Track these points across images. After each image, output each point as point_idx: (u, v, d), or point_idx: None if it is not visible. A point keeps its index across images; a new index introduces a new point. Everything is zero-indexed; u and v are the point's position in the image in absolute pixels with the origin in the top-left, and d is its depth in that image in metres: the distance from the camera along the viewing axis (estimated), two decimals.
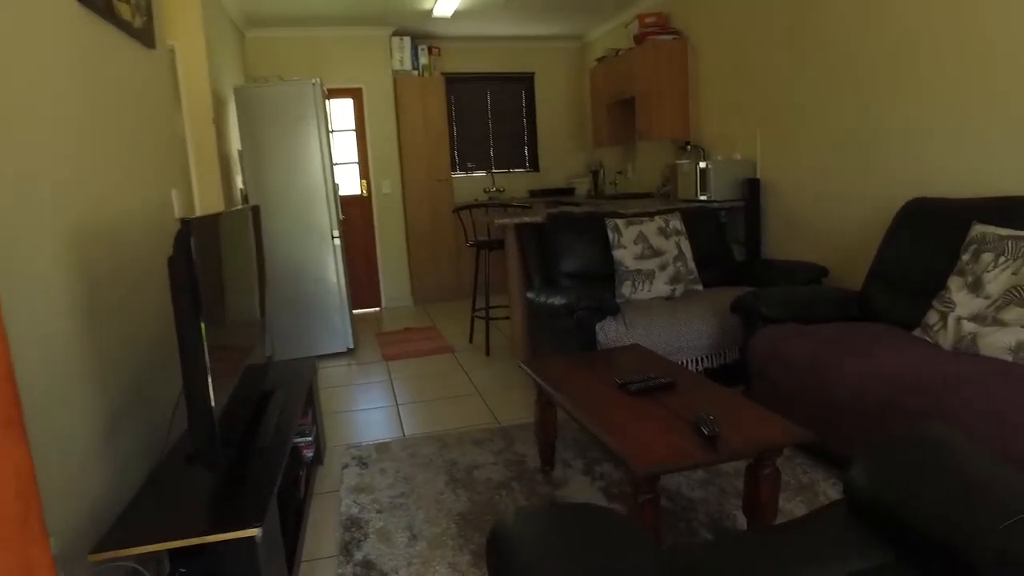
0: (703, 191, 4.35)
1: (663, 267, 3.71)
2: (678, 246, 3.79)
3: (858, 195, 3.48)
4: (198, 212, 3.35)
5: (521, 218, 3.85)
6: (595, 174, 6.30)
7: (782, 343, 2.67)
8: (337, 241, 4.58)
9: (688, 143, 4.91)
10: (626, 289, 3.66)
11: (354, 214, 6.24)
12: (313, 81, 4.39)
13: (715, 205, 4.26)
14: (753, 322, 2.95)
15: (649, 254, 3.70)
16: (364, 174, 6.22)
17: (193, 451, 1.61)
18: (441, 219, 6.39)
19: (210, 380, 1.55)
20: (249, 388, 2.13)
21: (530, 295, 3.60)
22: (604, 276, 3.75)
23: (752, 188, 4.24)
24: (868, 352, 2.39)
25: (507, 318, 4.66)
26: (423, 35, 6.32)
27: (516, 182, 7.04)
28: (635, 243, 3.70)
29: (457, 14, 5.66)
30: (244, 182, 4.48)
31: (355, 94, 6.10)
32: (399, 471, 2.72)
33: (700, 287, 3.80)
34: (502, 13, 5.73)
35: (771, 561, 1.25)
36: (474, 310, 4.77)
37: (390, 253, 6.35)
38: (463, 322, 5.57)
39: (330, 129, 4.81)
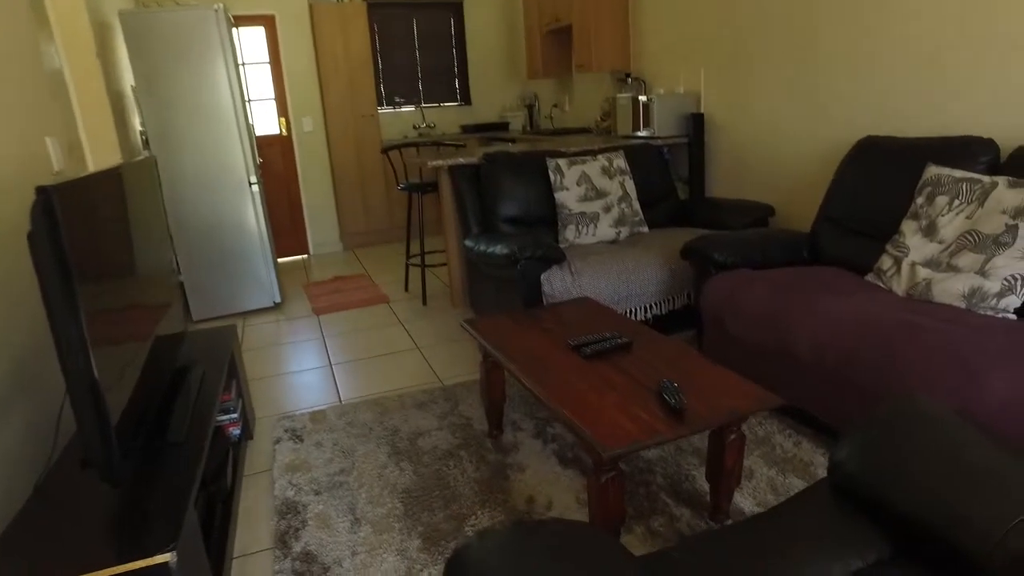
0: (645, 126, 4.16)
1: (607, 209, 3.54)
2: (622, 186, 3.62)
3: (807, 132, 3.37)
4: (89, 160, 2.93)
5: (455, 160, 3.58)
6: (530, 108, 6.01)
7: (737, 293, 2.57)
8: (255, 187, 4.19)
9: (628, 75, 4.68)
10: (570, 233, 3.49)
11: (274, 155, 5.78)
12: (216, 6, 3.89)
13: (659, 142, 4.09)
14: (705, 269, 2.84)
15: (593, 195, 3.52)
16: (282, 111, 5.73)
17: (85, 456, 1.37)
18: (369, 158, 6.00)
19: (94, 367, 1.29)
20: (160, 367, 1.87)
21: (468, 243, 3.38)
22: (546, 220, 3.56)
23: (696, 124, 4.09)
24: (825, 302, 2.30)
25: (444, 264, 4.44)
26: None
27: (447, 117, 6.66)
28: (578, 184, 3.51)
29: None
30: (143, 124, 4.00)
31: (267, 22, 5.53)
32: (337, 443, 2.52)
33: (645, 229, 3.67)
34: None
35: (756, 561, 1.13)
36: (408, 257, 4.51)
37: (315, 196, 5.95)
38: (397, 268, 5.31)
39: (240, 62, 4.34)
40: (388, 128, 6.41)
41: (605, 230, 3.53)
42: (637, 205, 3.66)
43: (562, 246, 3.49)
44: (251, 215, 4.22)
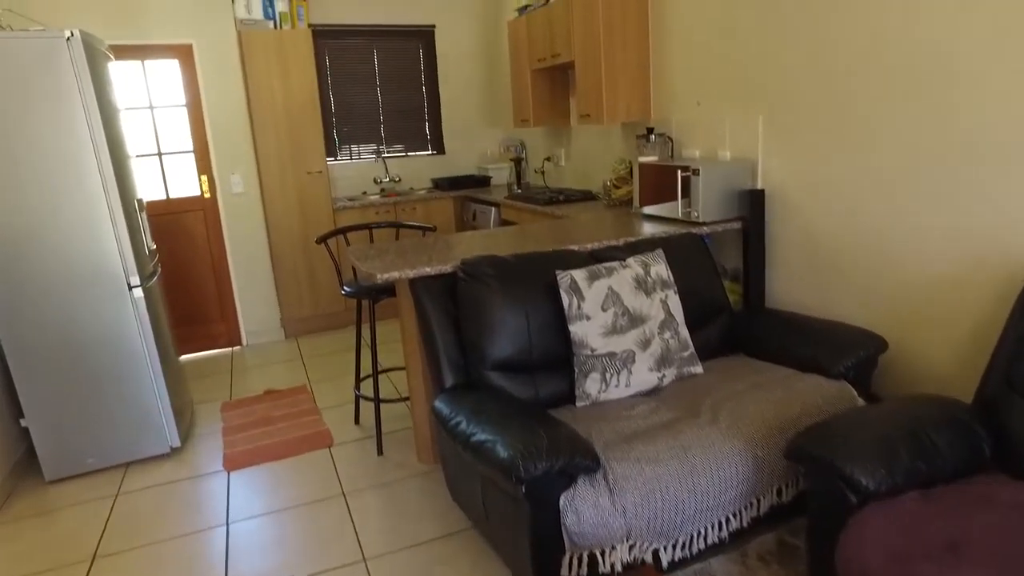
0: (685, 205, 3.02)
1: (645, 343, 2.37)
2: (665, 306, 2.46)
3: (938, 239, 2.25)
4: None
5: (419, 269, 2.39)
6: (517, 161, 4.87)
7: (923, 570, 1.40)
8: (138, 291, 2.96)
9: (651, 130, 3.56)
10: (592, 385, 2.31)
11: (194, 223, 4.54)
12: (67, 32, 2.69)
13: (704, 230, 2.95)
14: (838, 495, 1.67)
15: (625, 324, 2.35)
16: (204, 167, 4.50)
17: None
18: (315, 223, 4.79)
19: None
20: None
21: (440, 410, 2.18)
22: (556, 362, 2.38)
23: (755, 204, 2.96)
24: None
25: (407, 399, 3.23)
26: None
27: (415, 169, 5.50)
28: (603, 309, 2.34)
29: None
30: None
31: (182, 54, 4.33)
32: None
33: (699, 368, 2.50)
34: None
35: None
36: (358, 380, 3.29)
37: (249, 273, 4.71)
38: (348, 372, 4.09)
39: (116, 107, 3.13)
40: (342, 183, 5.22)
41: (643, 376, 2.36)
42: (685, 332, 2.50)
43: (580, 404, 2.31)
44: (132, 330, 2.98)
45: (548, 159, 4.94)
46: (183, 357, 4.63)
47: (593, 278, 2.35)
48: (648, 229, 2.96)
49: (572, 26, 3.76)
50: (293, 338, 4.89)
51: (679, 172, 2.99)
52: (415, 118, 5.44)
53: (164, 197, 4.45)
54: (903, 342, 2.46)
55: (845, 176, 2.58)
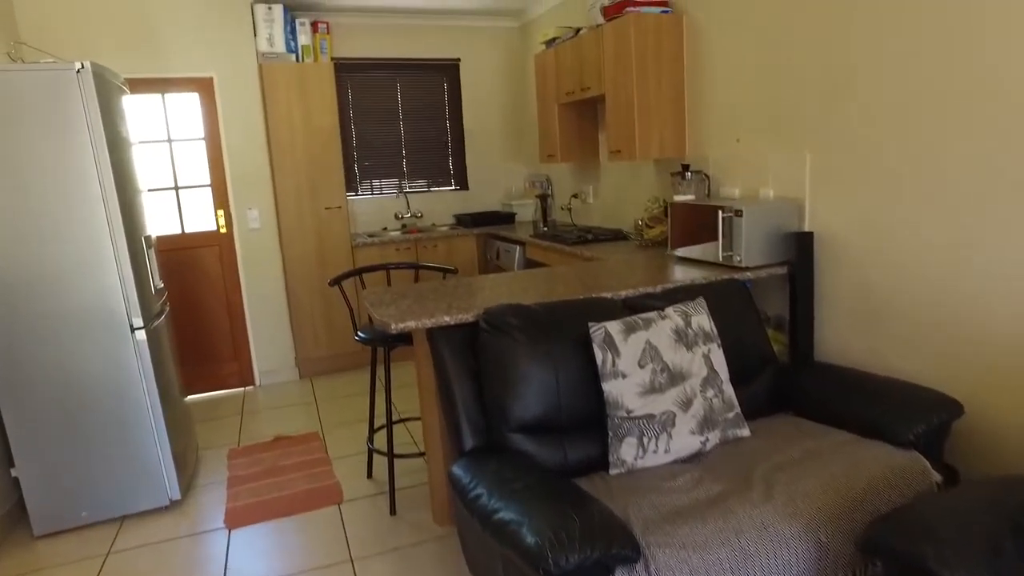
0: (725, 248, 2.80)
1: (686, 403, 2.13)
2: (707, 361, 2.23)
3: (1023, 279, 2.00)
4: None
5: (437, 319, 2.19)
6: (543, 198, 4.69)
7: None
8: (141, 334, 2.79)
9: (687, 167, 3.35)
10: (628, 451, 2.07)
11: (209, 259, 4.41)
12: (78, 65, 2.58)
13: (747, 276, 2.72)
14: None
15: (664, 382, 2.12)
16: (221, 201, 4.38)
17: None
18: (334, 260, 4.64)
19: None
20: None
21: (458, 475, 1.95)
22: (587, 423, 2.15)
23: (802, 248, 2.72)
24: None
25: (422, 454, 3.00)
26: (302, 4, 4.52)
27: (438, 204, 5.35)
28: (640, 365, 2.11)
29: None
30: None
31: (203, 87, 4.25)
32: None
33: (746, 431, 2.25)
34: None
35: None
36: (371, 432, 3.07)
37: (264, 311, 4.55)
38: (364, 419, 3.88)
39: (130, 141, 3.02)
40: (362, 219, 5.08)
41: (684, 440, 2.11)
42: (730, 390, 2.26)
43: (614, 471, 2.07)
44: (133, 375, 2.81)
45: (575, 196, 4.75)
46: (193, 397, 4.46)
47: (629, 331, 2.13)
48: (685, 274, 2.74)
49: (602, 59, 3.60)
50: (308, 379, 4.70)
51: (719, 212, 2.78)
52: (438, 152, 5.31)
53: (180, 231, 4.33)
54: (978, 406, 2.19)
55: (907, 217, 2.34)
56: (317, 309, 4.63)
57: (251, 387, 4.63)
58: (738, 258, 2.73)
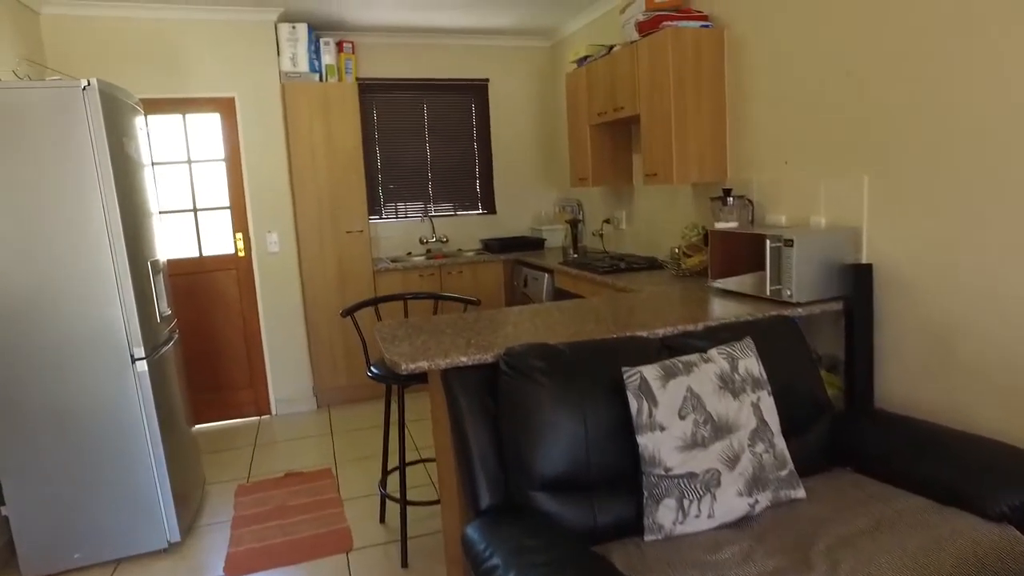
0: (773, 281, 2.54)
1: (733, 459, 1.87)
2: (756, 410, 1.96)
3: None
4: None
5: (452, 359, 1.96)
6: (573, 224, 4.47)
7: None
8: (142, 365, 2.63)
9: (729, 192, 3.11)
10: (665, 515, 1.81)
11: (227, 283, 4.27)
12: (84, 82, 2.45)
13: (799, 312, 2.45)
14: None
15: (708, 436, 1.86)
16: (240, 224, 4.25)
17: None
18: (354, 286, 4.47)
19: None
20: None
21: (472, 540, 1.72)
22: (620, 480, 1.89)
23: (860, 282, 2.45)
24: None
25: (436, 502, 2.76)
26: (327, 23, 4.42)
27: (464, 229, 5.16)
28: (681, 415, 1.85)
29: None
30: None
31: (224, 107, 4.14)
32: None
33: (800, 492, 1.97)
34: None
35: None
36: (384, 475, 2.85)
37: (282, 337, 4.39)
38: (380, 456, 3.66)
39: (142, 162, 2.89)
40: (386, 243, 4.91)
41: (730, 502, 1.85)
42: (783, 444, 1.99)
43: (650, 537, 1.81)
44: (133, 408, 2.64)
45: (607, 221, 4.53)
46: (206, 426, 4.30)
47: (668, 376, 1.88)
48: (728, 308, 2.48)
49: (637, 77, 3.39)
50: (326, 408, 4.52)
51: (767, 242, 2.52)
52: (465, 175, 5.14)
53: (197, 255, 4.21)
54: None
55: (988, 245, 2.06)
56: (336, 336, 4.45)
57: (267, 416, 4.45)
58: (788, 292, 2.47)
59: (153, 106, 4.01)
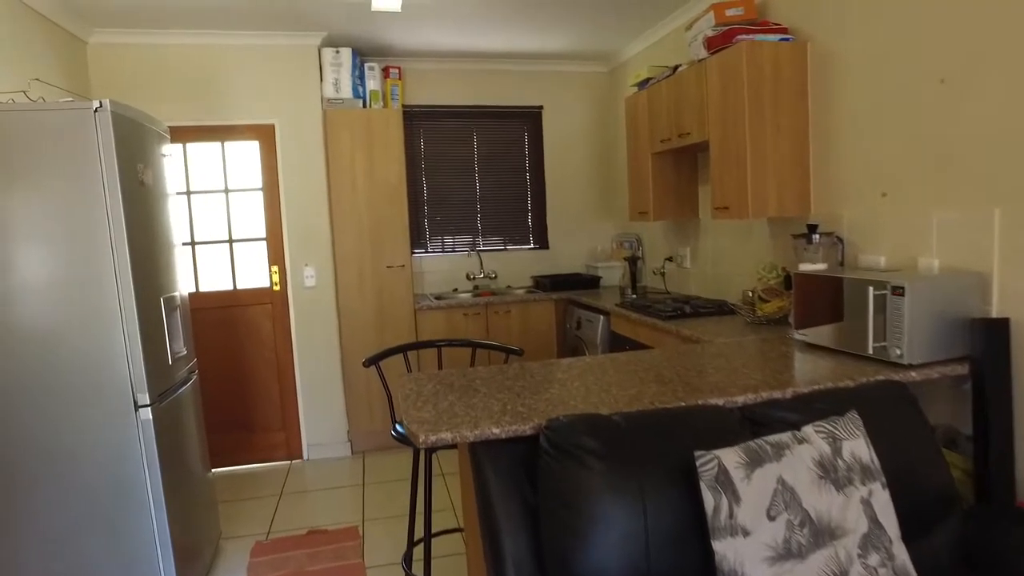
0: (877, 337, 2.09)
1: (840, 574, 1.44)
2: (867, 508, 1.52)
3: None
4: None
5: (482, 430, 1.60)
6: (632, 261, 4.08)
7: None
8: (146, 412, 2.36)
9: (814, 228, 2.67)
10: None
11: (259, 318, 4.05)
12: (95, 104, 2.24)
13: (912, 376, 1.99)
14: None
15: (806, 543, 1.44)
16: (276, 257, 4.04)
17: None
18: (393, 323, 4.18)
19: None
20: None
21: None
22: None
23: (992, 338, 1.98)
24: None
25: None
26: (373, 48, 4.22)
27: (515, 265, 4.84)
28: (770, 515, 1.44)
29: (415, 9, 3.55)
30: None
31: (263, 134, 3.96)
32: None
33: None
34: (488, 11, 3.61)
35: None
36: (407, 558, 2.48)
37: (316, 377, 4.12)
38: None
39: (164, 191, 2.67)
40: (430, 278, 4.63)
41: None
42: (904, 554, 1.54)
43: None
44: (134, 461, 2.37)
45: (670, 259, 4.12)
46: (232, 469, 4.05)
47: (754, 463, 1.47)
48: (819, 368, 2.05)
49: (706, 99, 3.02)
50: (360, 454, 4.20)
51: (869, 289, 2.08)
52: (516, 208, 4.83)
53: (231, 287, 4.00)
54: None
55: None
56: (373, 378, 4.16)
57: (298, 460, 4.17)
58: (897, 351, 2.02)
59: (193, 134, 3.86)
